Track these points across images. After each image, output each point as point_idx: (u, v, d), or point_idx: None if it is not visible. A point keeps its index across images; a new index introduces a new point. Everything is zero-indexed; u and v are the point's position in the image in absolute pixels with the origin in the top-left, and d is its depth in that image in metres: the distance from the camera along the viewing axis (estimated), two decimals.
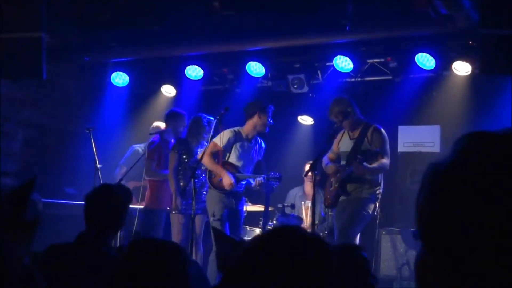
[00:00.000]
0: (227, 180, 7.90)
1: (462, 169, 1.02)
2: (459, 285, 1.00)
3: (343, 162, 7.69)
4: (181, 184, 8.33)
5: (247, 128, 8.16)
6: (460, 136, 1.07)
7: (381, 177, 7.61)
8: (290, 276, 1.39)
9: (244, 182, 8.10)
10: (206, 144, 8.17)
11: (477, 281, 0.98)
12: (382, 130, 7.59)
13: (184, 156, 8.42)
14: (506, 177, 0.98)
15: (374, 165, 7.39)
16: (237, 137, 8.10)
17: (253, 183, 8.12)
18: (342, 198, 7.61)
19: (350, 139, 7.71)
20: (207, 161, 7.97)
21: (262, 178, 8.06)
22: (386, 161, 7.46)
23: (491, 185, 0.98)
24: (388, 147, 7.55)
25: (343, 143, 7.77)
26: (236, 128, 8.15)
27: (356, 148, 7.56)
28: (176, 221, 8.33)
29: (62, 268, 3.80)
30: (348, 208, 7.49)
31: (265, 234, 1.55)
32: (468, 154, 1.03)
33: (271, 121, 8.10)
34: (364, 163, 7.26)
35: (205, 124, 8.45)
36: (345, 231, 7.39)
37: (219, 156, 8.05)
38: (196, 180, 7.96)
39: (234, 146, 8.10)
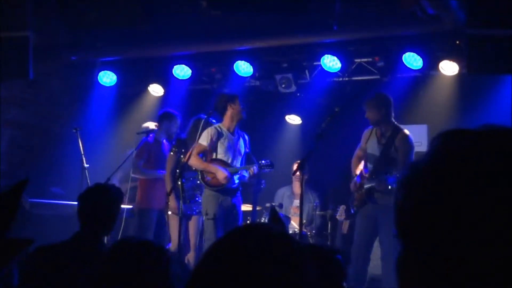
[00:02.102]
0: (221, 174, 7.89)
1: (438, 167, 1.04)
2: (440, 282, 1.01)
3: (370, 165, 7.69)
4: (180, 188, 8.25)
5: (226, 122, 8.14)
6: (436, 134, 1.09)
7: None
8: (255, 272, 1.39)
9: (237, 177, 8.08)
10: None
11: (458, 276, 0.99)
12: (410, 136, 7.57)
13: (182, 157, 8.34)
14: (478, 174, 1.00)
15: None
16: (219, 133, 8.08)
17: (246, 175, 8.13)
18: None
19: (378, 143, 7.68)
20: (195, 162, 7.94)
21: (255, 167, 8.10)
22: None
23: (464, 182, 1.00)
24: (413, 156, 7.50)
25: (371, 144, 7.75)
26: (216, 125, 8.14)
27: (384, 155, 7.58)
28: (174, 223, 8.21)
29: (57, 269, 3.78)
30: (387, 221, 7.42)
31: (231, 231, 1.55)
32: (444, 152, 1.05)
33: (243, 107, 8.17)
34: (388, 181, 7.31)
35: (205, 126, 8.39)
36: (392, 245, 7.32)
37: (206, 155, 8.03)
38: (190, 182, 8.02)
39: (219, 142, 8.06)
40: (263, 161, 8.15)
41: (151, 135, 8.85)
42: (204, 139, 8.01)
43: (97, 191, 4.29)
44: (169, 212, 8.24)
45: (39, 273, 3.77)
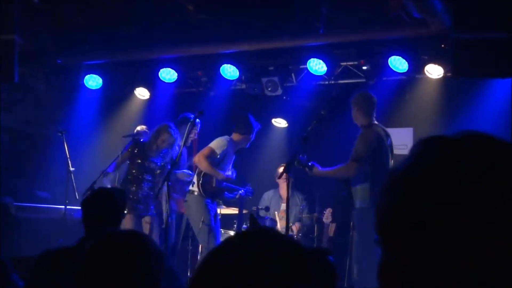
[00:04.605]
0: (222, 175, 8.19)
1: (416, 173, 1.05)
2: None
3: None
4: (133, 188, 8.24)
5: (238, 142, 8.38)
6: (417, 141, 1.10)
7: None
8: (263, 278, 1.39)
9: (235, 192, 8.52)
10: (168, 151, 8.29)
11: (436, 283, 1.00)
12: (368, 133, 7.32)
13: (139, 160, 8.31)
14: (455, 180, 1.01)
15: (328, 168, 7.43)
16: (230, 147, 8.26)
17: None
18: None
19: None
20: (206, 166, 8.04)
21: (243, 191, 8.56)
22: (346, 164, 7.34)
23: (442, 188, 1.01)
24: (362, 150, 7.25)
25: None
26: (228, 138, 8.30)
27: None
28: (129, 223, 8.08)
29: (65, 274, 3.76)
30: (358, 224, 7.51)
31: (238, 235, 1.53)
32: (422, 158, 1.06)
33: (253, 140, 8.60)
34: (314, 168, 7.32)
35: (172, 133, 8.38)
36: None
37: (214, 162, 8.14)
38: (151, 184, 8.15)
39: (226, 155, 8.27)
40: (249, 188, 8.69)
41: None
42: (218, 147, 8.14)
43: (102, 195, 4.25)
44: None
45: (46, 278, 3.75)
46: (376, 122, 7.49)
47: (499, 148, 1.05)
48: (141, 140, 8.46)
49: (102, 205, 4.13)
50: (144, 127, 9.14)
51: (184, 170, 8.83)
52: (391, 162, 7.44)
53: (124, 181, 8.29)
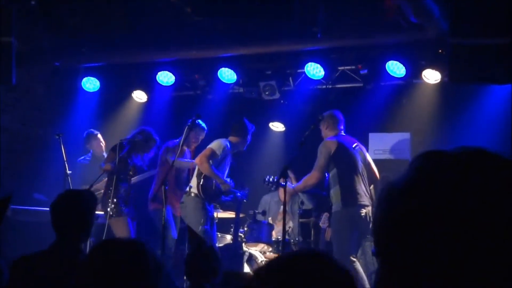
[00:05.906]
0: (227, 185, 8.24)
1: (416, 187, 1.06)
2: None
3: None
4: (116, 191, 8.19)
5: (236, 143, 8.40)
6: (415, 155, 1.11)
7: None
8: None
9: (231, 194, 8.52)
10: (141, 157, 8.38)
11: None
12: (324, 143, 7.73)
13: (121, 165, 8.31)
14: (454, 194, 1.02)
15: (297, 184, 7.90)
16: (228, 149, 8.27)
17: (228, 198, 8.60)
18: None
19: None
20: (207, 168, 8.01)
21: (240, 194, 8.55)
22: (309, 175, 7.71)
23: (441, 201, 1.02)
24: (320, 159, 7.64)
25: None
26: (227, 140, 8.33)
27: None
28: (121, 225, 8.12)
29: (37, 279, 3.75)
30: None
31: (286, 257, 1.51)
32: (422, 173, 1.07)
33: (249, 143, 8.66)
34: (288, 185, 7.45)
35: (155, 138, 8.44)
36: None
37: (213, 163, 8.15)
38: (126, 186, 8.23)
39: (225, 156, 8.29)
40: (244, 191, 8.69)
41: (176, 140, 8.77)
42: (218, 148, 8.14)
43: (70, 197, 4.12)
44: (114, 216, 8.14)
45: (21, 283, 3.73)
46: (343, 134, 7.89)
47: (496, 163, 1.05)
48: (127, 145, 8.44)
49: (71, 208, 4.00)
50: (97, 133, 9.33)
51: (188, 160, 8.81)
52: (361, 164, 7.79)
53: (106, 184, 8.30)
